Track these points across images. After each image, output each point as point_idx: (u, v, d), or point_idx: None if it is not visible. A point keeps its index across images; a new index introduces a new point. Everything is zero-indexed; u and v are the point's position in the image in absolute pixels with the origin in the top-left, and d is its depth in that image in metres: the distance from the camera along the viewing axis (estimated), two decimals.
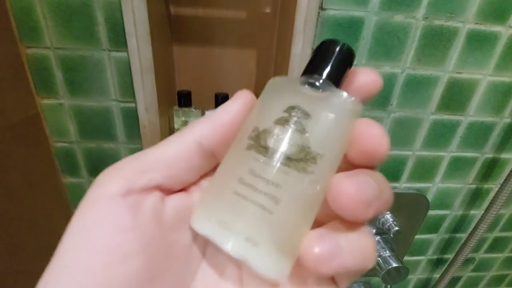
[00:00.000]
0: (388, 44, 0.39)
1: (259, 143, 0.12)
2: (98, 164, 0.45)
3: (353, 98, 0.13)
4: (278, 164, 0.12)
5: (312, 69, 0.13)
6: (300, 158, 0.12)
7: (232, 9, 0.47)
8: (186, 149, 0.14)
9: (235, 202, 0.12)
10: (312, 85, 0.13)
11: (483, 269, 0.64)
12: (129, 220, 0.12)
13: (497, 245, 0.61)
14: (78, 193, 0.47)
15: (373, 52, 0.40)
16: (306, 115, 0.12)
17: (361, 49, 0.39)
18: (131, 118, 0.42)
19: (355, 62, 0.14)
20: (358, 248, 0.12)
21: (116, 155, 0.44)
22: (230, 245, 0.12)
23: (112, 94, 0.40)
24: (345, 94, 0.13)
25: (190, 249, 0.15)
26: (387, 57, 0.40)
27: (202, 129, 0.14)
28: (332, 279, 0.14)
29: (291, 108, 0.13)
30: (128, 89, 0.40)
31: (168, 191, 0.14)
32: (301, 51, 0.38)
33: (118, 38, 0.37)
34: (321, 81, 0.13)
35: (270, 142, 0.12)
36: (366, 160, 0.13)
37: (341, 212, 0.12)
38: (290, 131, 0.12)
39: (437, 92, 0.43)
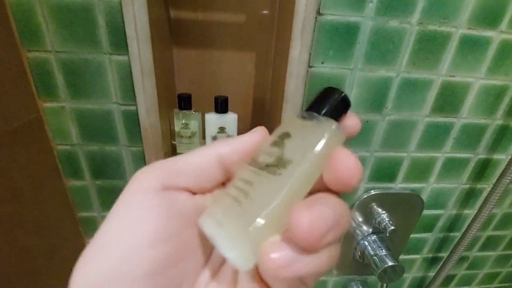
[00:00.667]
0: (383, 48, 0.40)
1: (255, 159, 0.16)
2: (100, 167, 0.45)
3: (333, 124, 0.15)
4: (256, 169, 0.15)
5: (311, 107, 0.16)
6: (274, 164, 0.15)
7: (231, 12, 0.48)
8: (210, 162, 0.17)
9: (221, 198, 0.16)
10: (304, 117, 0.16)
11: (477, 267, 0.66)
12: (164, 210, 0.15)
13: (490, 243, 0.62)
14: (81, 195, 0.47)
15: (368, 56, 0.41)
16: (288, 135, 0.16)
17: (357, 53, 0.40)
18: (132, 120, 0.42)
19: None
20: (315, 263, 0.13)
21: (118, 157, 0.45)
22: (205, 225, 0.15)
23: (113, 97, 0.40)
24: (326, 119, 0.15)
25: (198, 248, 0.17)
26: (382, 61, 0.41)
27: (224, 148, 0.17)
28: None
29: (283, 134, 0.16)
30: (129, 92, 0.40)
31: (193, 193, 0.17)
32: (298, 56, 0.39)
33: (119, 42, 0.37)
34: (314, 115, 0.16)
35: (260, 157, 0.16)
36: (338, 186, 0.14)
37: (299, 241, 0.12)
38: (275, 147, 0.16)
39: (431, 95, 0.44)
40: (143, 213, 0.14)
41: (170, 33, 0.47)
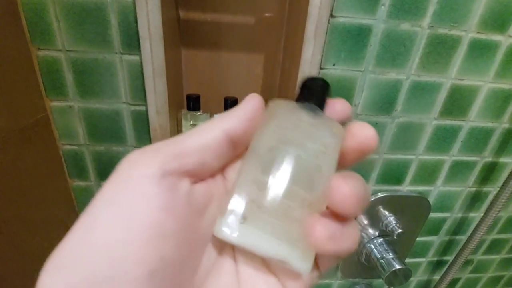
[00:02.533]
0: (394, 51, 0.40)
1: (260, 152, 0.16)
2: (106, 168, 0.44)
3: (339, 123, 0.16)
4: None
5: (304, 98, 0.17)
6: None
7: (240, 14, 0.48)
8: (216, 138, 0.15)
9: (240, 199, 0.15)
10: (308, 112, 0.16)
11: (481, 270, 0.66)
12: (167, 201, 0.13)
13: (494, 246, 0.62)
14: (86, 197, 0.46)
15: (380, 58, 0.41)
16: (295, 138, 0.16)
17: (369, 55, 0.40)
18: (141, 121, 0.42)
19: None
20: (351, 235, 0.14)
21: None
22: (238, 234, 0.14)
23: (123, 97, 0.40)
24: (333, 121, 0.17)
25: (204, 242, 0.15)
26: (393, 64, 0.41)
27: (230, 121, 0.15)
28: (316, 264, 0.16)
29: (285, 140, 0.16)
30: (138, 92, 0.40)
31: (197, 177, 0.15)
32: (311, 57, 0.39)
33: (131, 42, 0.37)
34: (313, 107, 0.17)
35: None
36: (359, 153, 0.16)
37: (338, 206, 0.13)
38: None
39: (440, 98, 0.45)
40: (140, 205, 0.12)
41: (179, 34, 0.47)
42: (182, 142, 0.14)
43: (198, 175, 0.15)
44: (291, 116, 0.16)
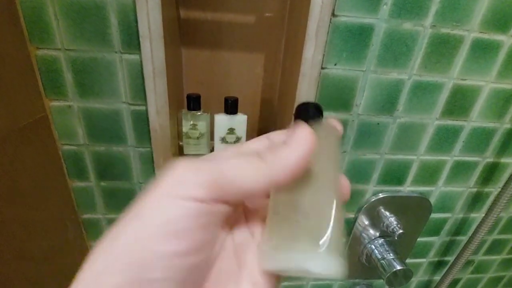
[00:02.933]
0: (396, 51, 0.40)
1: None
2: (106, 168, 0.44)
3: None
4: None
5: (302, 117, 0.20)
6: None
7: (241, 13, 0.47)
8: (261, 186, 0.15)
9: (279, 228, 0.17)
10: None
11: (482, 271, 0.66)
12: (201, 222, 0.14)
13: (495, 247, 0.62)
14: (85, 197, 0.46)
15: (381, 58, 0.40)
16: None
17: (370, 55, 0.40)
18: (141, 121, 0.41)
19: None
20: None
21: (125, 158, 0.44)
22: (283, 260, 0.15)
23: (123, 96, 0.40)
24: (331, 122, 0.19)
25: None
26: (395, 64, 0.41)
27: (278, 171, 0.15)
28: None
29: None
30: (138, 92, 0.40)
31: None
32: (312, 57, 0.39)
33: (131, 41, 0.37)
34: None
35: None
36: None
37: (345, 198, 0.18)
38: None
39: (442, 98, 0.44)
40: (179, 223, 0.13)
41: (179, 33, 0.46)
42: (230, 175, 0.14)
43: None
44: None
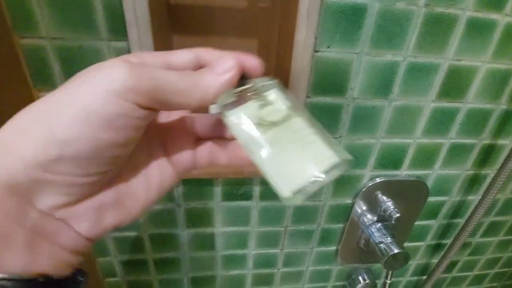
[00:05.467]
0: (390, 31, 0.39)
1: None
2: None
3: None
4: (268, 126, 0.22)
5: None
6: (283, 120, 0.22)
7: None
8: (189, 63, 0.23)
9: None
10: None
11: (479, 252, 0.66)
12: (128, 120, 0.17)
13: (492, 229, 0.63)
14: None
15: (375, 40, 0.40)
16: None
17: (364, 37, 0.39)
18: None
19: None
20: None
21: None
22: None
23: None
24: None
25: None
26: (389, 45, 0.40)
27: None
28: None
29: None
30: None
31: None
32: (304, 40, 0.38)
33: (118, 27, 0.36)
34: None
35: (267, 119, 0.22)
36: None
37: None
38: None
39: (438, 80, 0.44)
40: (113, 120, 0.16)
41: (169, 19, 0.45)
42: (165, 88, 0.17)
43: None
44: None
